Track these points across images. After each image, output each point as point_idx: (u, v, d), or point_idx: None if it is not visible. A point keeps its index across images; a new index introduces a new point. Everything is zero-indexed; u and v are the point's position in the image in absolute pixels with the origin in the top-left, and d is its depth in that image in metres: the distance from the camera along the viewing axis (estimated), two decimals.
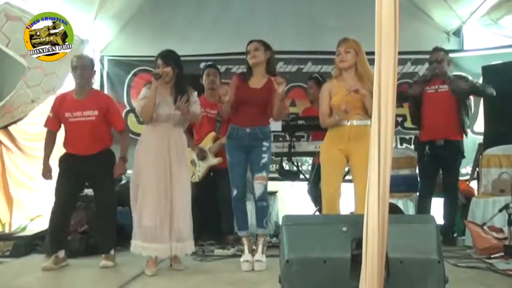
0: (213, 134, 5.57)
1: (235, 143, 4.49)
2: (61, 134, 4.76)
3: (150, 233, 4.27)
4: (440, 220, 5.43)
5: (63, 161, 4.63)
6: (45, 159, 4.67)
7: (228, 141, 4.55)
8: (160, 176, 4.33)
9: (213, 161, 5.51)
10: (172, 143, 4.41)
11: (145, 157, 4.38)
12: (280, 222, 2.47)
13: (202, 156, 5.50)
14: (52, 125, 4.69)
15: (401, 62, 6.90)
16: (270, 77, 4.42)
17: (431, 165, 5.58)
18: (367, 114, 4.07)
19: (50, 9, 5.45)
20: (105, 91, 7.39)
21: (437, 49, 5.71)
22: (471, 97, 5.93)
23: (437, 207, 5.68)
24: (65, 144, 4.66)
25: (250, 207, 4.76)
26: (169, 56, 4.49)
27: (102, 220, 4.68)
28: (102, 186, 4.65)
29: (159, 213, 4.28)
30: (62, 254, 4.53)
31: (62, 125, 4.69)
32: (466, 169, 6.47)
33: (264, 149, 4.44)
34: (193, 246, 4.49)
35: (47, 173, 4.66)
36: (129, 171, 5.20)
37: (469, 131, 5.83)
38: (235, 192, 4.46)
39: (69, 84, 5.52)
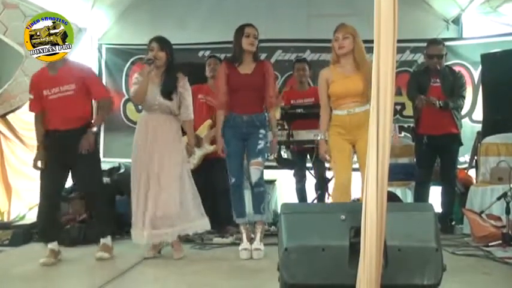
0: (209, 121, 5.56)
1: (233, 131, 4.48)
2: None
3: (138, 221, 4.38)
4: (438, 208, 5.45)
5: (47, 140, 4.41)
6: (38, 146, 4.46)
7: (225, 128, 4.54)
8: (144, 164, 4.39)
9: (208, 148, 5.50)
10: (159, 131, 4.43)
11: (135, 146, 4.50)
12: (279, 211, 2.47)
13: (197, 143, 5.47)
14: (35, 107, 4.47)
15: (400, 50, 6.89)
16: (258, 62, 4.50)
17: (429, 154, 5.58)
18: (366, 99, 4.08)
19: None
20: (103, 80, 7.37)
21: (437, 42, 5.65)
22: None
23: (435, 195, 5.69)
24: (45, 122, 4.43)
25: (248, 195, 4.76)
26: (164, 41, 4.51)
27: (90, 197, 4.58)
28: (88, 159, 4.37)
29: (141, 201, 4.36)
30: (56, 247, 4.38)
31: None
32: (464, 157, 6.47)
33: (260, 135, 4.45)
34: (205, 224, 4.51)
35: (38, 160, 4.39)
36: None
37: (464, 121, 5.85)
38: (233, 179, 4.47)
39: None
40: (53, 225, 4.49)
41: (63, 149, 4.34)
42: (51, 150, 4.38)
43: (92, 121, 4.52)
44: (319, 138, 4.28)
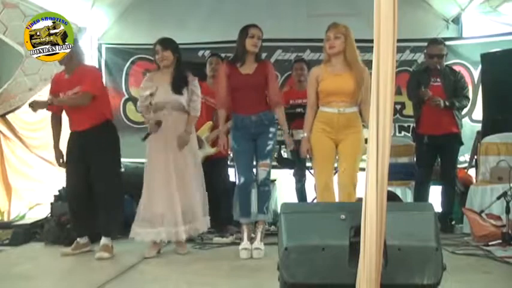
0: (210, 123, 5.55)
1: (242, 132, 4.48)
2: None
3: (153, 219, 4.44)
4: (438, 208, 5.45)
5: (68, 141, 4.64)
6: (54, 144, 4.66)
7: (234, 130, 4.54)
8: (162, 162, 4.47)
9: (209, 150, 5.49)
10: (172, 129, 4.51)
11: (150, 146, 4.58)
12: (279, 211, 2.47)
13: (199, 144, 5.46)
14: (52, 107, 4.63)
15: (400, 50, 6.89)
16: (260, 63, 4.51)
17: (429, 153, 5.59)
18: (355, 100, 4.10)
19: None
20: (103, 79, 7.35)
21: (438, 42, 5.66)
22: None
23: (435, 195, 5.69)
24: (69, 125, 4.66)
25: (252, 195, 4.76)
26: (167, 41, 4.59)
27: (100, 195, 4.57)
28: (100, 158, 4.51)
29: (162, 198, 4.42)
30: (83, 239, 4.57)
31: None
32: (464, 157, 6.48)
33: (270, 135, 4.47)
34: (207, 223, 4.66)
35: (58, 159, 4.63)
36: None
37: (464, 121, 5.88)
38: (242, 179, 4.45)
39: None
40: (82, 221, 4.63)
41: (81, 148, 4.50)
42: (72, 150, 4.57)
43: (109, 120, 4.66)
44: (301, 136, 4.29)
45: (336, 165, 4.33)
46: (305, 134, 4.24)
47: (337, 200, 4.12)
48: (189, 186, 4.51)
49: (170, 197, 4.43)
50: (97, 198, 4.59)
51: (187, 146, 4.56)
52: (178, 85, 4.51)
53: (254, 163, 4.58)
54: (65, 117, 4.74)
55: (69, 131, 4.68)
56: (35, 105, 4.37)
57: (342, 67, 4.17)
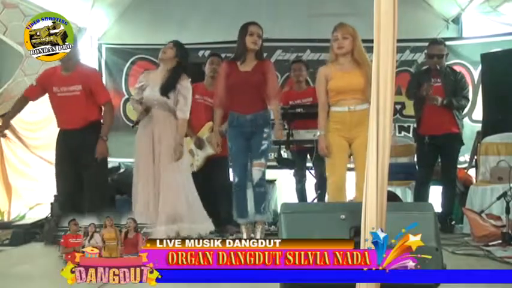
0: (210, 123, 5.53)
1: (237, 130, 4.47)
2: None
3: (136, 216, 4.37)
4: (438, 208, 5.45)
5: (57, 139, 4.68)
6: (6, 117, 4.75)
7: (230, 128, 4.54)
8: (145, 161, 4.45)
9: (210, 151, 5.49)
10: (157, 128, 4.46)
11: (136, 144, 4.56)
12: (279, 211, 2.47)
13: (199, 145, 5.46)
14: (31, 93, 4.70)
15: (400, 50, 6.88)
16: (260, 61, 4.51)
17: (430, 153, 5.58)
18: (365, 97, 4.08)
19: None
20: (103, 79, 7.36)
21: (438, 42, 5.66)
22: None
23: (435, 195, 5.69)
24: (57, 122, 4.70)
25: (249, 195, 4.75)
26: (177, 43, 4.62)
27: (90, 197, 4.64)
28: (87, 160, 4.56)
29: (146, 198, 4.40)
30: None
31: (40, 100, 4.77)
32: (464, 157, 6.48)
33: (264, 135, 4.44)
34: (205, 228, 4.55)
35: (2, 129, 4.70)
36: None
37: (464, 121, 5.88)
38: (236, 179, 4.46)
39: None
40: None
41: (70, 148, 4.53)
42: (62, 149, 4.62)
43: (101, 122, 4.71)
44: (318, 134, 4.27)
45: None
46: (322, 132, 4.22)
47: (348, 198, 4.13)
48: (167, 188, 4.39)
49: (148, 196, 4.40)
50: (92, 198, 4.65)
51: (169, 149, 4.46)
52: (166, 87, 4.44)
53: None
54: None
55: (59, 127, 4.73)
56: (102, 152, 4.52)
57: (350, 65, 4.17)
